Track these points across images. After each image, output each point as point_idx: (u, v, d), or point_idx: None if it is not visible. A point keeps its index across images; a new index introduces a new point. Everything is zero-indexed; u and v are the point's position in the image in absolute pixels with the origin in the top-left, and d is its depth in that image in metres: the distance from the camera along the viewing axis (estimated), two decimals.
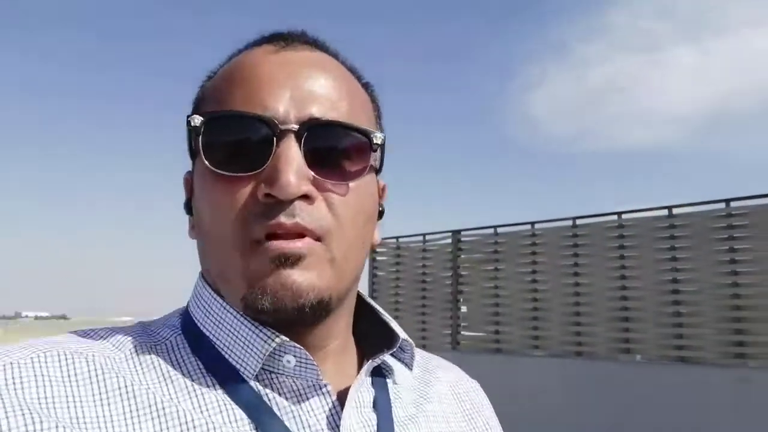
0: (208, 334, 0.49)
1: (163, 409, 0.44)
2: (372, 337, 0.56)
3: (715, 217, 4.91)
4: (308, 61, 0.50)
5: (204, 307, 0.50)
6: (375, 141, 0.50)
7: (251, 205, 0.46)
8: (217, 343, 0.49)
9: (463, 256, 6.57)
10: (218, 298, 0.50)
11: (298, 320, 0.47)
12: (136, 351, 0.48)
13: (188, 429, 0.43)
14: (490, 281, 6.25)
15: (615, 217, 5.57)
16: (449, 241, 6.73)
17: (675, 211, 5.24)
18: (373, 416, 0.51)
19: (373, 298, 7.35)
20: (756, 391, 4.48)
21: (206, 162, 0.47)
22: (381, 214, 0.56)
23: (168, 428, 0.43)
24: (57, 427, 0.40)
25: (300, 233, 0.46)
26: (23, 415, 0.40)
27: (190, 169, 0.54)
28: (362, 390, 0.52)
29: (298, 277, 0.46)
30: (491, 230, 6.37)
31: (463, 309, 6.54)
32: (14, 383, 0.42)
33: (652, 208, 5.41)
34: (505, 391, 4.77)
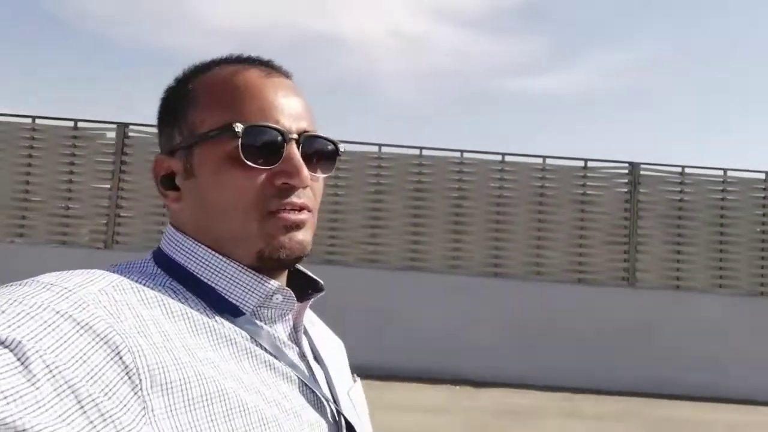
0: (206, 281, 0.62)
1: (211, 327, 0.58)
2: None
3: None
4: (291, 87, 0.68)
5: (199, 260, 0.63)
6: (340, 149, 0.70)
7: (268, 188, 0.63)
8: (216, 287, 0.62)
9: None
10: (217, 254, 0.63)
11: (291, 265, 0.67)
12: (157, 290, 0.58)
13: (228, 342, 0.58)
14: None
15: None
16: None
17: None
18: (306, 337, 0.70)
19: None
20: None
21: (242, 157, 0.61)
22: None
23: (218, 342, 0.57)
24: (158, 344, 0.52)
25: (301, 208, 0.64)
26: (137, 333, 0.51)
27: (167, 154, 0.67)
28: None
29: (301, 237, 0.64)
30: None
31: None
32: (116, 305, 0.52)
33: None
34: None
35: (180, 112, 0.66)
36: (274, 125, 0.64)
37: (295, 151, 0.64)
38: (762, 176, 7.61)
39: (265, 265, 0.64)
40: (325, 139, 0.69)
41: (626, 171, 7.64)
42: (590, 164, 7.67)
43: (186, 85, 0.68)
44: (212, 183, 0.64)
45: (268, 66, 0.69)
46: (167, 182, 0.67)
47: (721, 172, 7.65)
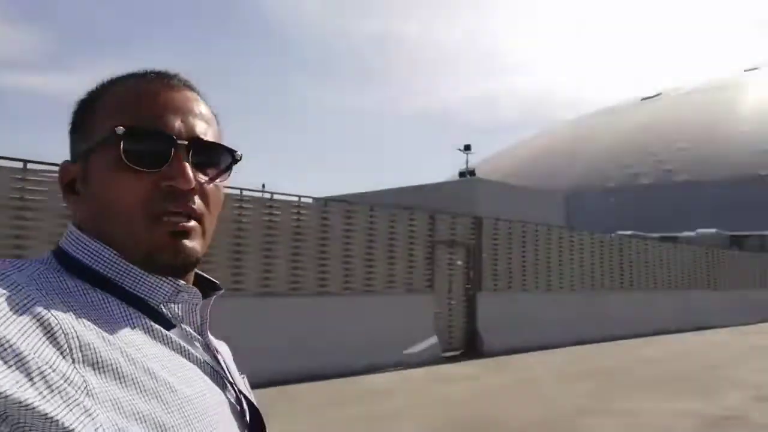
0: (114, 280, 0.63)
1: (128, 316, 0.60)
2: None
3: None
4: (191, 98, 0.69)
5: (104, 261, 0.63)
6: (236, 156, 0.71)
7: (154, 191, 0.63)
8: (124, 286, 0.63)
9: None
10: (118, 257, 0.63)
11: (179, 271, 0.66)
12: (73, 282, 0.60)
13: (145, 330, 0.61)
14: None
15: None
16: None
17: None
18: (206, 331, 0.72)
19: None
20: None
21: (124, 159, 0.62)
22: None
23: (136, 328, 0.60)
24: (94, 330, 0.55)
25: (189, 214, 0.64)
26: (68, 315, 0.53)
27: (69, 160, 0.69)
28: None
29: (189, 244, 0.65)
30: None
31: None
32: (45, 290, 0.55)
33: None
34: None
35: (82, 121, 0.68)
36: (159, 128, 0.65)
37: (181, 155, 0.65)
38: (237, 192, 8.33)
39: (152, 269, 0.64)
40: (221, 146, 0.70)
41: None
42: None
43: (92, 97, 0.70)
44: (102, 187, 0.65)
45: (171, 78, 0.70)
46: (70, 188, 0.68)
47: None
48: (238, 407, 0.70)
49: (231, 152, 0.71)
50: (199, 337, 0.70)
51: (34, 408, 0.46)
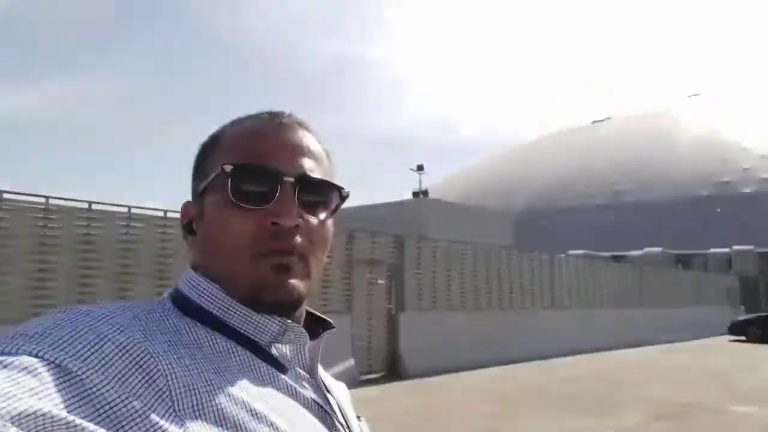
0: (221, 318, 0.63)
1: (235, 354, 0.61)
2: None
3: None
4: (300, 135, 0.69)
5: (212, 299, 0.64)
6: (343, 194, 0.70)
7: (260, 229, 0.63)
8: (232, 325, 0.63)
9: None
10: (227, 295, 0.64)
11: (284, 309, 0.65)
12: (182, 322, 0.61)
13: (252, 368, 0.61)
14: None
15: None
16: None
17: None
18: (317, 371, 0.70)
19: None
20: None
21: (231, 197, 0.63)
22: None
23: (242, 368, 0.60)
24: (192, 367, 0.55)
25: (290, 251, 0.64)
26: (170, 355, 0.54)
27: (190, 200, 0.71)
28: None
29: (291, 280, 0.64)
30: None
31: None
32: (150, 330, 0.56)
33: None
34: None
35: (201, 163, 0.70)
36: (265, 164, 0.65)
37: (286, 192, 0.64)
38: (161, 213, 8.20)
39: (258, 308, 0.64)
40: (329, 183, 0.69)
41: None
42: None
43: (210, 139, 0.72)
44: (212, 224, 0.66)
45: (282, 116, 0.70)
46: (189, 227, 0.70)
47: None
48: None
49: (338, 189, 0.70)
50: (308, 376, 0.68)
51: None
